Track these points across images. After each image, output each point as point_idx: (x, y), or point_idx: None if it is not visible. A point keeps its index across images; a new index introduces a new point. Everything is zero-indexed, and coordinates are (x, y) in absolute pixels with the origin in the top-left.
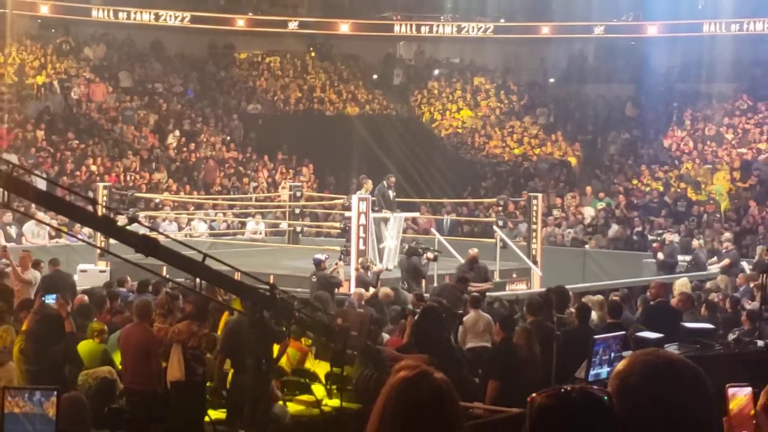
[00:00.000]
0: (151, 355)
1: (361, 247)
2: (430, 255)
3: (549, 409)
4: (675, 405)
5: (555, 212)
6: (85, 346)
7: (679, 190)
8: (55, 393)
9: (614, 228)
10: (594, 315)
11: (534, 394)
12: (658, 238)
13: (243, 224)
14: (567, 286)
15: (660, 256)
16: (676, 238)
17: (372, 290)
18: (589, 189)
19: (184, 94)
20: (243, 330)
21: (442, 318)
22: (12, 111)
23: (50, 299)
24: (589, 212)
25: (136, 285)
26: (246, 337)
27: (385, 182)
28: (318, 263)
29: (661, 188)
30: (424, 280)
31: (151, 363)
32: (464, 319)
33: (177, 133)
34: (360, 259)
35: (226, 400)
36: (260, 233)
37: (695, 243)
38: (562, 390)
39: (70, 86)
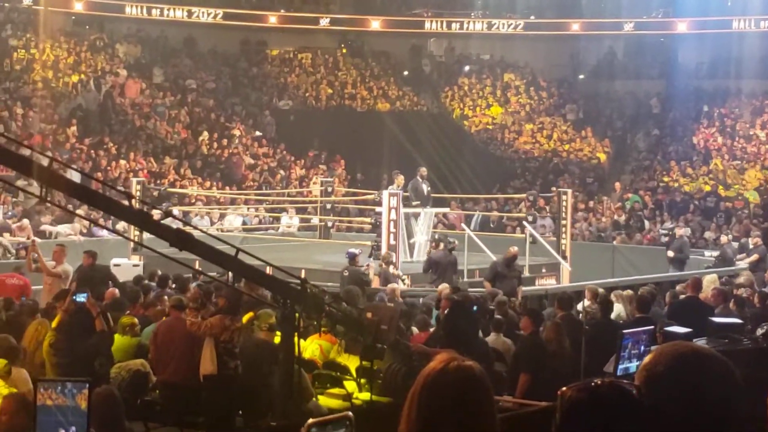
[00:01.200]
0: (194, 348)
1: (392, 242)
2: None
3: (579, 403)
4: (704, 394)
5: (581, 213)
6: (116, 340)
7: (708, 186)
8: (87, 385)
9: (645, 224)
10: (621, 309)
11: (564, 388)
12: (669, 233)
13: (275, 219)
14: (596, 281)
15: (669, 253)
16: (687, 232)
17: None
18: (618, 185)
19: (216, 91)
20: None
21: (471, 312)
22: (46, 107)
23: (81, 298)
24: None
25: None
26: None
27: (418, 176)
28: (352, 257)
29: (690, 184)
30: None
31: (195, 355)
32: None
33: (209, 129)
34: (382, 255)
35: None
36: (294, 228)
37: (723, 238)
38: (592, 384)
39: (103, 83)
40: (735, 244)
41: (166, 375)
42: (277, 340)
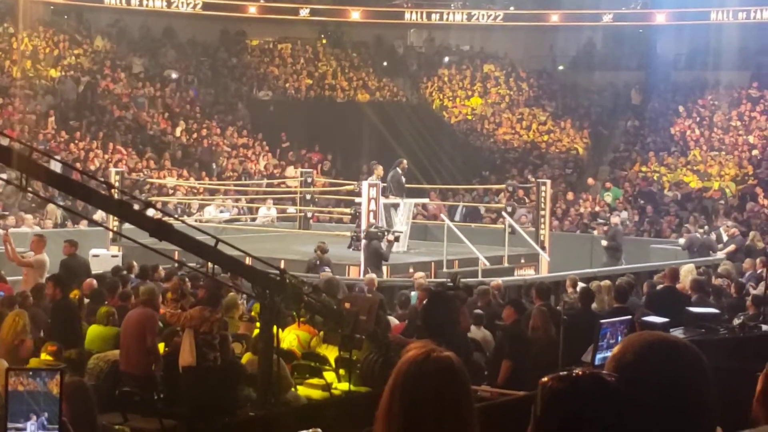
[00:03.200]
0: (144, 339)
1: None
2: (390, 237)
3: (560, 393)
4: (674, 381)
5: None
6: (94, 330)
7: (686, 177)
8: (59, 372)
9: (624, 216)
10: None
11: (545, 378)
12: (605, 222)
13: (251, 210)
14: (574, 272)
15: (603, 242)
16: (622, 220)
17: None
18: (591, 180)
19: (195, 81)
20: None
21: (450, 303)
22: (24, 98)
23: None
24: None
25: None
26: None
27: (398, 168)
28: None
29: (669, 175)
30: (385, 264)
31: (143, 346)
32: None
33: (188, 119)
34: (318, 244)
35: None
36: (273, 219)
37: (690, 228)
38: (573, 374)
39: (82, 73)
40: (713, 235)
41: (122, 366)
42: (255, 331)
